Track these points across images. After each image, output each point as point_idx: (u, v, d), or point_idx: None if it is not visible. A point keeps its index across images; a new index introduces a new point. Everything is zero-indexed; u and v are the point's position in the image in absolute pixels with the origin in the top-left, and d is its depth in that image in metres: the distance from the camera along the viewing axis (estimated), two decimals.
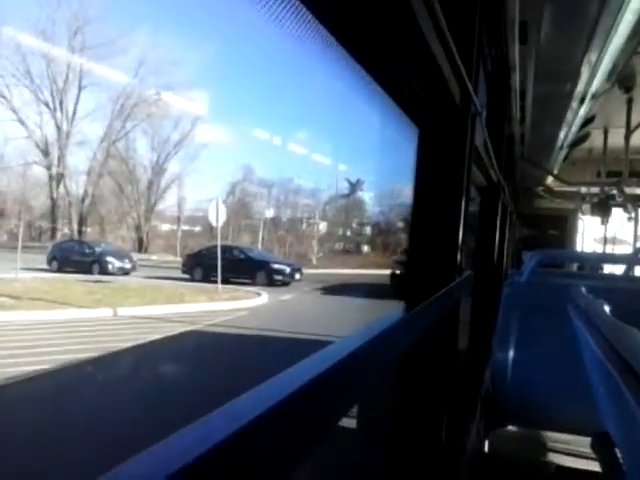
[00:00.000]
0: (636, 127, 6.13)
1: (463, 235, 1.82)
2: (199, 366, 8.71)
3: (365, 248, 36.41)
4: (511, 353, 3.89)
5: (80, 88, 29.74)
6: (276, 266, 23.49)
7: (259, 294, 18.42)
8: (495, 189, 3.76)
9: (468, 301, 3.72)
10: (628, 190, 8.03)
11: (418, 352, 1.64)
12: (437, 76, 1.35)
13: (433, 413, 1.83)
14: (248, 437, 0.52)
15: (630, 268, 5.77)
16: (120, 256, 24.16)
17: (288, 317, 15.21)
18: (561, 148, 6.83)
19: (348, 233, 38.32)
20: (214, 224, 20.05)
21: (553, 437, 4.58)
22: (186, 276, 22.73)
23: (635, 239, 10.48)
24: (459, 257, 1.81)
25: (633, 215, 9.93)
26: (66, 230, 32.15)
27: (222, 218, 19.51)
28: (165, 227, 37.65)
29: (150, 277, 21.72)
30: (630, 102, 5.65)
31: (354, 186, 38.22)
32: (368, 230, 37.74)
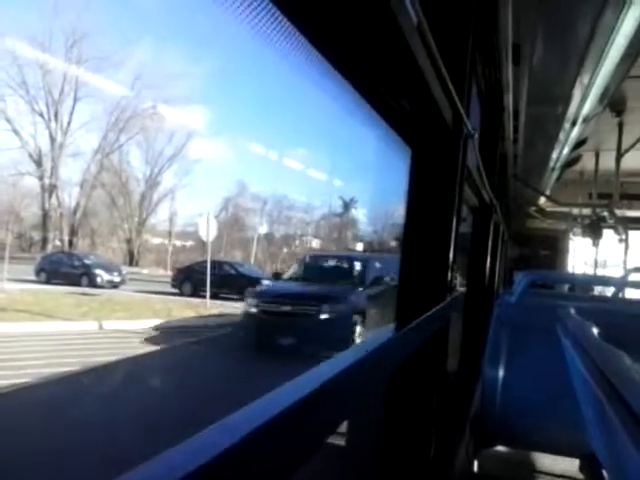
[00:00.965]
0: (627, 150, 6.18)
1: (454, 254, 1.83)
2: (182, 381, 8.52)
3: None
4: (500, 373, 3.89)
5: (75, 99, 29.69)
6: (266, 282, 22.26)
7: None
8: (487, 209, 3.78)
9: (459, 320, 3.73)
10: (619, 212, 8.08)
11: (408, 370, 1.65)
12: (429, 99, 1.37)
13: (422, 432, 1.83)
14: (239, 455, 0.53)
15: (620, 290, 5.80)
16: (109, 269, 23.82)
17: None
18: (553, 169, 6.89)
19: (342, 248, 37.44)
20: (204, 239, 19.64)
21: (541, 458, 4.58)
22: (175, 290, 22.31)
23: (625, 261, 10.53)
24: (450, 276, 1.82)
25: (624, 237, 9.99)
26: (57, 242, 31.87)
27: (213, 233, 19.16)
28: (157, 241, 37.25)
29: (139, 291, 21.29)
30: (621, 125, 5.71)
31: (348, 204, 38.06)
32: (360, 248, 36.78)
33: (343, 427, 2.58)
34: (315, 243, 37.74)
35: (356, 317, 12.20)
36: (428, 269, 1.74)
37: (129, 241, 35.16)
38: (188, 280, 22.44)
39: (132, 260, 34.28)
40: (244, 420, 0.59)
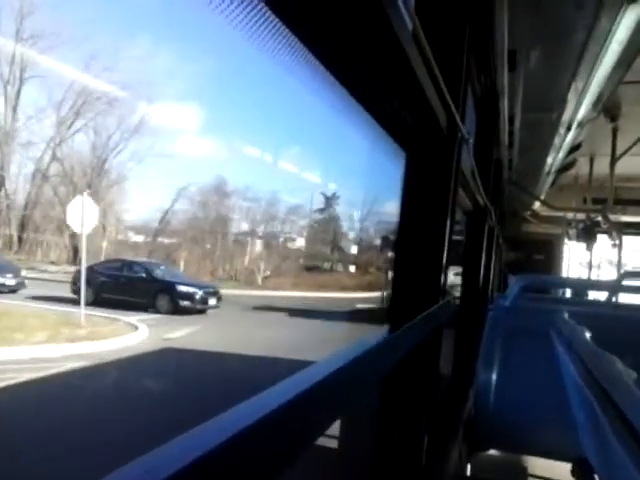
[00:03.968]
0: (621, 155, 6.22)
1: (447, 258, 1.84)
2: None
3: (339, 267, 32.78)
4: (494, 377, 3.91)
5: (21, 81, 26.45)
6: (182, 288, 18.34)
7: (136, 328, 13.65)
8: (482, 213, 3.80)
9: (453, 324, 3.74)
10: (613, 217, 8.12)
11: (401, 373, 1.65)
12: (424, 104, 1.38)
13: (414, 435, 1.84)
14: (226, 455, 0.53)
15: (613, 295, 5.82)
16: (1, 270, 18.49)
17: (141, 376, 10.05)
18: (548, 174, 6.91)
19: (322, 250, 34.45)
20: (75, 229, 15.53)
21: (533, 462, 4.59)
22: (75, 296, 16.68)
23: (619, 266, 10.57)
24: (443, 279, 1.83)
25: (617, 242, 10.03)
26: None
27: (91, 222, 14.92)
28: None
29: (37, 297, 16.47)
30: (615, 131, 5.74)
31: (330, 200, 34.98)
32: (345, 248, 34.76)
33: (335, 430, 2.58)
34: (299, 243, 34.91)
35: None
36: (421, 272, 1.75)
37: (73, 236, 32.15)
38: (89, 284, 16.93)
39: (76, 256, 31.39)
40: (231, 421, 0.59)
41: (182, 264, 26.55)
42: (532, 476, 4.54)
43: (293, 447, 0.72)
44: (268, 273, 28.86)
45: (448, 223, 1.80)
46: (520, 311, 4.14)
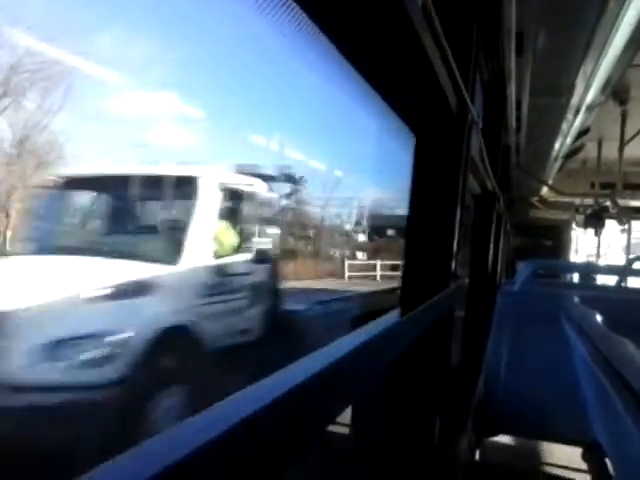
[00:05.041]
0: (630, 139, 6.18)
1: (458, 242, 1.83)
2: None
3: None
4: (504, 362, 3.90)
5: None
6: None
7: None
8: (490, 198, 3.77)
9: (462, 309, 3.73)
10: (621, 202, 8.07)
11: (411, 357, 1.64)
12: (434, 84, 1.36)
13: (426, 420, 1.83)
14: (234, 439, 0.52)
15: (622, 279, 5.80)
16: None
17: None
18: (556, 159, 6.88)
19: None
20: None
21: (544, 447, 4.59)
22: None
23: (628, 250, 10.52)
24: (453, 264, 1.82)
25: (626, 227, 9.98)
26: None
27: None
28: None
29: None
30: (624, 115, 5.70)
31: (297, 184, 32.39)
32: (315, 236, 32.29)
33: (346, 415, 2.58)
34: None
35: None
36: (432, 256, 1.74)
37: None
38: None
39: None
40: (238, 405, 0.58)
41: None
42: (542, 460, 4.54)
43: (305, 432, 0.71)
44: None
45: (459, 206, 1.78)
46: (529, 295, 4.13)
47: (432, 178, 1.71)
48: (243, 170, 8.96)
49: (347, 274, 26.13)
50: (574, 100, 4.44)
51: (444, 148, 1.70)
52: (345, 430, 2.75)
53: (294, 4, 0.84)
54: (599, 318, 2.66)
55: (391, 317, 1.44)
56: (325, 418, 0.80)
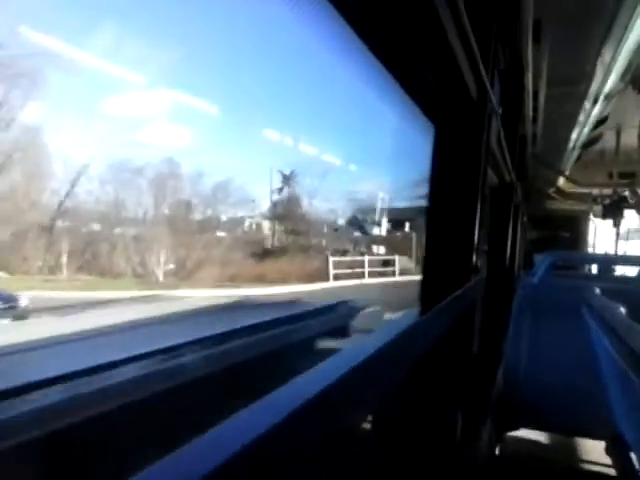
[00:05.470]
0: None
1: (479, 235, 1.79)
2: None
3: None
4: (523, 355, 3.86)
5: None
6: None
7: None
8: (508, 189, 3.73)
9: (480, 302, 3.70)
10: None
11: (434, 353, 1.62)
12: (455, 72, 1.33)
13: (448, 415, 1.81)
14: (266, 445, 0.51)
15: None
16: None
17: None
18: (573, 149, 6.79)
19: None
20: None
21: (565, 440, 4.54)
22: None
23: None
24: (475, 257, 1.78)
25: None
26: None
27: None
28: None
29: None
30: None
31: (288, 179, 31.11)
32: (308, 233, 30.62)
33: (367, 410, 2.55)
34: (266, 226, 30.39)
35: None
36: (453, 250, 1.71)
37: None
38: None
39: None
40: (260, 415, 0.57)
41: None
42: (563, 454, 4.49)
43: (334, 434, 0.71)
44: (172, 266, 23.97)
45: (479, 198, 1.75)
46: (549, 288, 4.08)
47: (452, 169, 1.68)
48: None
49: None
50: (592, 88, 4.36)
51: (464, 138, 1.66)
52: (368, 428, 2.73)
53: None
54: (622, 309, 2.62)
55: (412, 315, 1.41)
56: (352, 420, 0.79)
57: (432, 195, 1.71)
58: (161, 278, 21.25)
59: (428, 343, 1.35)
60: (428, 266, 1.74)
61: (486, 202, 2.03)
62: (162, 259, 21.86)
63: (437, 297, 1.51)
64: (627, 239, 11.91)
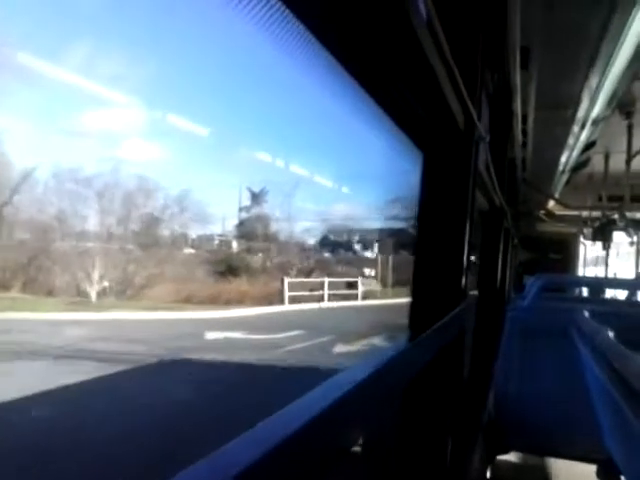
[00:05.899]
0: (637, 152, 6.14)
1: (468, 259, 1.80)
2: None
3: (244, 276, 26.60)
4: (514, 378, 3.86)
5: None
6: None
7: None
8: (498, 213, 3.76)
9: (470, 325, 3.70)
10: (629, 215, 8.04)
11: (424, 379, 1.62)
12: (441, 102, 1.35)
13: (438, 440, 1.81)
14: (255, 474, 0.52)
15: (633, 293, 5.75)
16: None
17: None
18: (562, 172, 6.85)
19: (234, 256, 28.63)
20: None
21: (556, 464, 4.52)
22: None
23: (637, 264, 10.45)
24: (464, 282, 1.80)
25: (635, 239, 9.92)
26: None
27: None
28: None
29: None
30: (630, 128, 5.67)
31: (257, 197, 30.45)
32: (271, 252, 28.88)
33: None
34: (235, 245, 29.08)
35: None
36: (442, 274, 1.72)
37: None
38: None
39: None
40: (250, 444, 0.57)
41: None
42: (554, 478, 4.48)
43: (326, 460, 0.71)
44: (106, 284, 22.55)
45: (467, 223, 1.77)
46: (539, 310, 4.09)
47: (441, 195, 1.70)
48: None
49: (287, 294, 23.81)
50: (580, 113, 4.42)
51: (452, 164, 1.69)
52: (358, 453, 2.71)
53: (299, 22, 0.83)
54: (611, 334, 2.63)
55: (402, 341, 1.42)
56: (343, 446, 0.79)
57: (420, 221, 1.72)
58: (94, 298, 21.17)
59: (417, 369, 1.35)
60: (417, 290, 1.75)
61: (475, 227, 2.05)
62: (96, 276, 21.67)
63: (426, 321, 1.52)
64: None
